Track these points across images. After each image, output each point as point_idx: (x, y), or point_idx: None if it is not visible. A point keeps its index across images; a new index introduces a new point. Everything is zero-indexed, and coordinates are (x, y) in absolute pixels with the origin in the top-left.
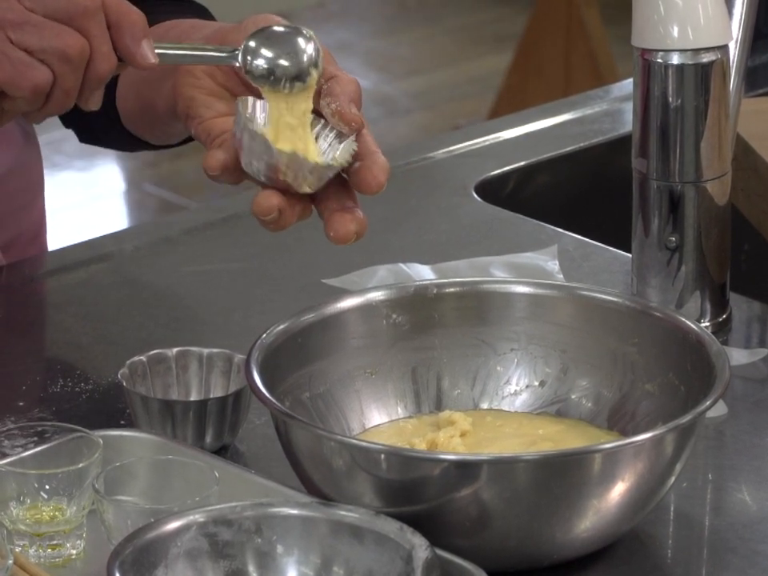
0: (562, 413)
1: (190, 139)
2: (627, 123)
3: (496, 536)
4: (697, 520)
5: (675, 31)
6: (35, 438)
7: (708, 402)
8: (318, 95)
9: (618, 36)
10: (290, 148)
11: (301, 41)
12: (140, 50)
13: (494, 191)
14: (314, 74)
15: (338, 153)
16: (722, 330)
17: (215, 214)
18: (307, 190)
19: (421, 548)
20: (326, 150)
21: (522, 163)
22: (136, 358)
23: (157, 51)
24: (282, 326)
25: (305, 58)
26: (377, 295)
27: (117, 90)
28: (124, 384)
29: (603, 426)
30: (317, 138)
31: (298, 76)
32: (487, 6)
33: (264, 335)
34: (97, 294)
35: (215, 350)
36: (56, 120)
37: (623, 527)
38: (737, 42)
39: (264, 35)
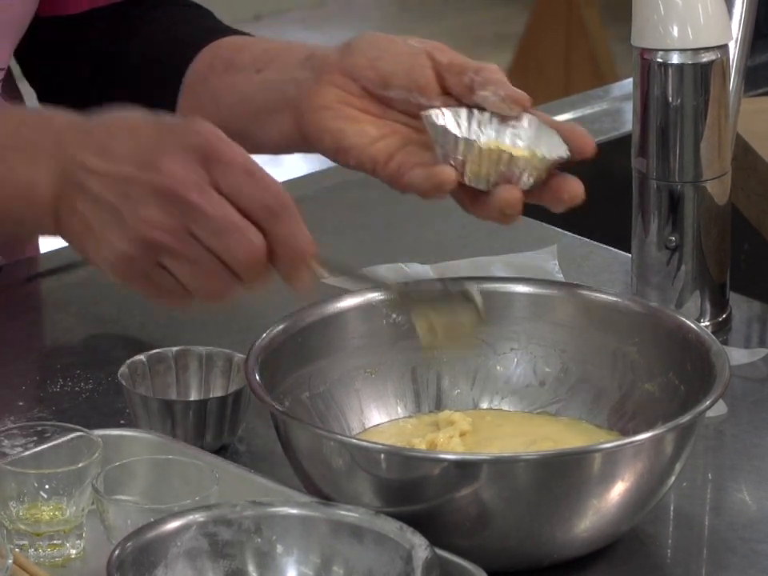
0: (561, 412)
1: None
2: (627, 123)
3: (496, 536)
4: (697, 520)
5: (675, 31)
6: (35, 438)
7: (708, 402)
8: (470, 90)
9: (617, 36)
10: (529, 153)
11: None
12: (299, 276)
13: None
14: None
15: (557, 145)
16: (721, 329)
17: None
18: (532, 185)
19: (420, 548)
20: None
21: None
22: (136, 358)
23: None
24: (281, 326)
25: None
26: (377, 295)
27: (180, 111)
28: (124, 384)
29: (603, 425)
30: (483, 133)
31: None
32: (488, 5)
33: (264, 335)
34: (96, 294)
35: (215, 350)
36: None
37: (623, 527)
38: (737, 41)
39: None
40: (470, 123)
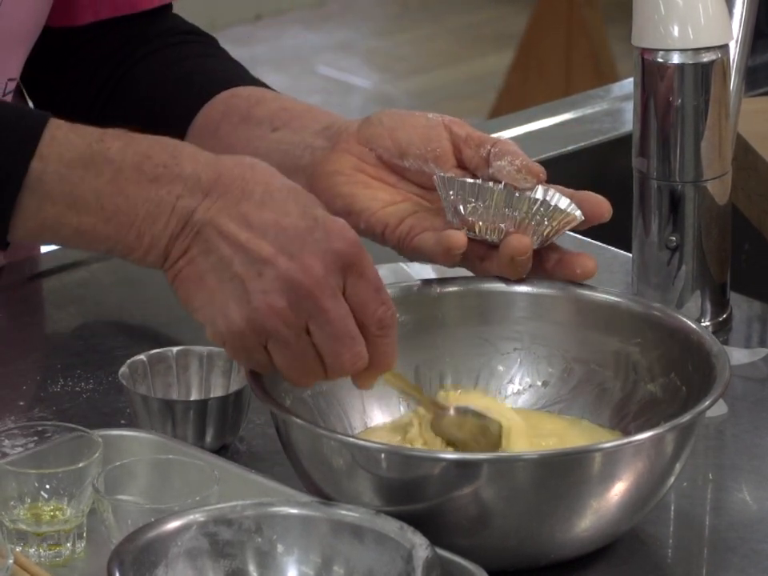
0: (564, 412)
1: None
2: (627, 123)
3: (496, 535)
4: (697, 519)
5: (675, 31)
6: (35, 438)
7: (707, 402)
8: (486, 162)
9: (618, 35)
10: (540, 196)
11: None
12: (368, 382)
13: None
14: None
15: (571, 206)
16: (722, 329)
17: None
18: (544, 240)
19: (421, 547)
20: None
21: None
22: (136, 358)
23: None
24: None
25: None
26: None
27: (192, 135)
28: (124, 383)
29: (606, 425)
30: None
31: None
32: (488, 5)
33: None
34: (97, 294)
35: (216, 350)
36: None
37: (623, 526)
38: (737, 41)
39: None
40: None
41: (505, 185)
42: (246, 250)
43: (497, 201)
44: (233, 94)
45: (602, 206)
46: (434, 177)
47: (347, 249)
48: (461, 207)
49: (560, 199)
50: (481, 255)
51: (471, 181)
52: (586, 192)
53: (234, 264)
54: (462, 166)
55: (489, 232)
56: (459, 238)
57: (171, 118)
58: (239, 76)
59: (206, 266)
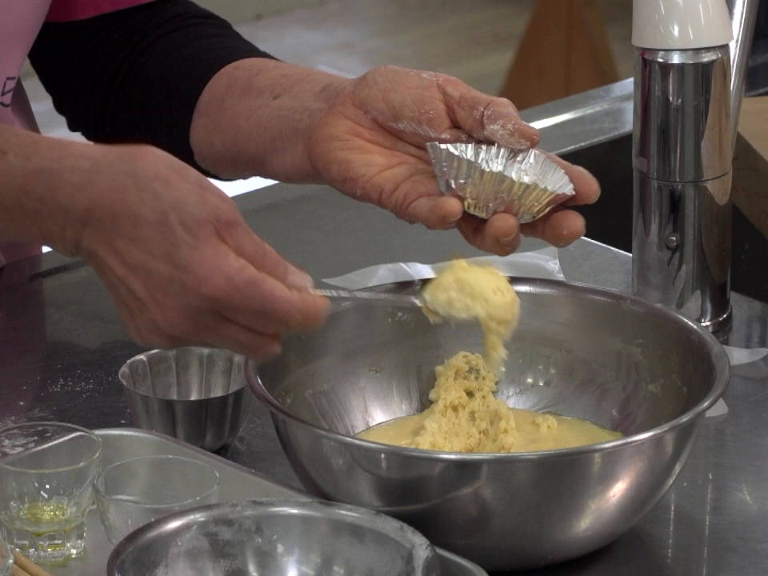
0: (565, 413)
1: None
2: (628, 123)
3: (496, 535)
4: (697, 519)
5: (676, 31)
6: (35, 438)
7: (707, 402)
8: (480, 123)
9: (618, 35)
10: (530, 181)
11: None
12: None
13: None
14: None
15: (562, 181)
16: (722, 329)
17: None
18: (532, 218)
19: (421, 547)
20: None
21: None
22: (136, 358)
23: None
24: None
25: None
26: (382, 293)
27: (195, 129)
28: (124, 383)
29: (607, 426)
30: (488, 163)
31: None
32: (488, 5)
33: None
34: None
35: (215, 350)
36: (57, 120)
37: (623, 527)
38: (737, 41)
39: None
40: (476, 157)
41: (502, 165)
42: (126, 286)
43: (486, 180)
44: (235, 67)
45: (591, 187)
46: (427, 145)
47: (211, 296)
48: (451, 182)
49: (552, 174)
50: (473, 227)
51: (462, 156)
52: (580, 170)
53: (121, 293)
54: (457, 126)
55: (477, 209)
56: (453, 205)
57: (180, 98)
58: (243, 50)
59: (105, 282)
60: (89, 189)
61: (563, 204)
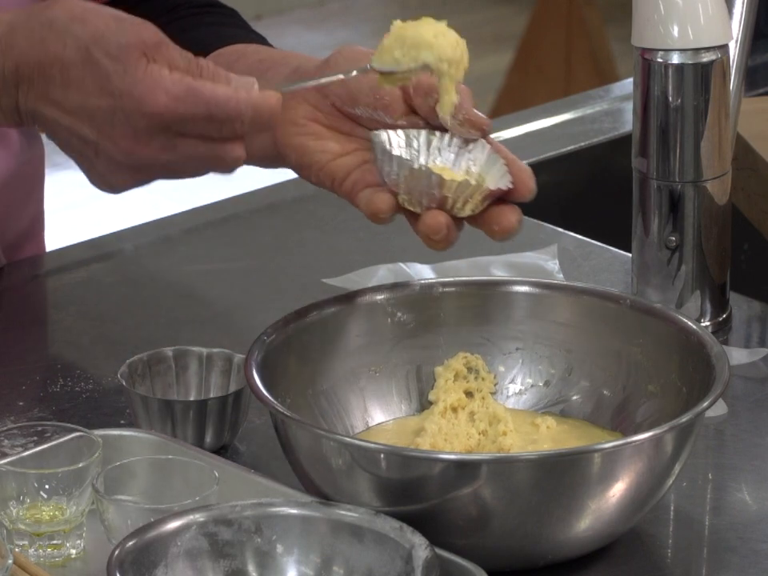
0: (565, 413)
1: None
2: (627, 123)
3: (495, 535)
4: (697, 519)
5: (675, 31)
6: (35, 438)
7: (707, 402)
8: (434, 111)
9: (618, 35)
10: (462, 177)
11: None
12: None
13: None
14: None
15: (501, 176)
16: (722, 329)
17: (215, 213)
18: (470, 213)
19: (421, 547)
20: (469, 167)
21: (523, 163)
22: (136, 358)
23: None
24: (282, 325)
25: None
26: (381, 294)
27: None
28: (124, 383)
29: (607, 426)
30: (439, 151)
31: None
32: (488, 5)
33: (264, 334)
34: (97, 294)
35: (215, 350)
36: None
37: (623, 527)
38: (737, 41)
39: None
40: (428, 146)
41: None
42: (75, 134)
43: (416, 177)
44: (219, 53)
45: (527, 186)
46: (370, 134)
47: (155, 113)
48: (384, 176)
49: (494, 167)
50: (415, 218)
51: (393, 152)
52: (520, 166)
53: (74, 144)
54: (415, 112)
55: (410, 204)
56: (384, 201)
57: None
58: (232, 36)
59: (58, 142)
60: (10, 51)
61: (504, 197)
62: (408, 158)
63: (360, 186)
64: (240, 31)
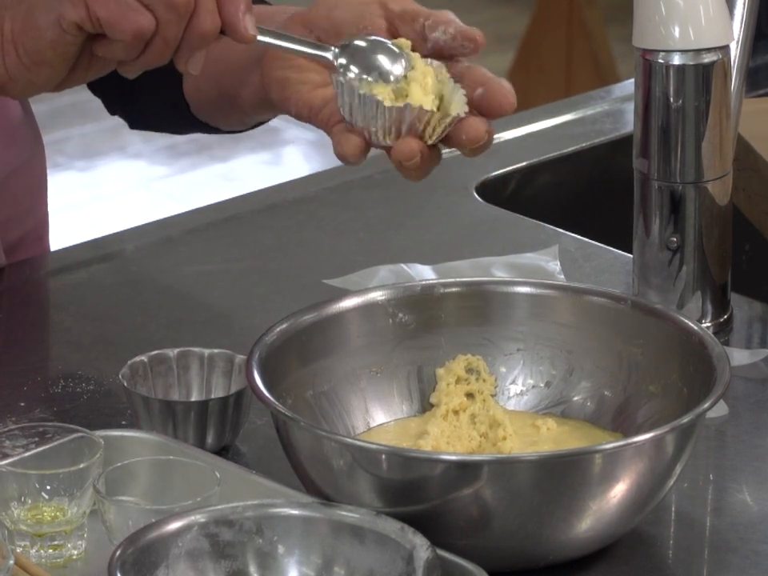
0: (566, 414)
1: (258, 124)
2: (628, 123)
3: (497, 536)
4: (698, 520)
5: (676, 32)
6: (36, 439)
7: (708, 403)
8: (422, 36)
9: (619, 36)
10: (416, 102)
11: (387, 59)
12: (243, 21)
13: (495, 191)
14: (403, 71)
15: (455, 103)
16: (723, 330)
17: (216, 214)
18: (430, 141)
19: (422, 548)
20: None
21: (524, 163)
22: (137, 359)
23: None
24: (283, 326)
25: (392, 79)
26: (382, 294)
27: (186, 81)
28: (125, 384)
29: (608, 427)
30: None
31: (386, 75)
32: (488, 5)
33: (265, 334)
34: (98, 295)
35: (216, 351)
36: (57, 120)
37: (623, 528)
38: (738, 42)
39: (354, 51)
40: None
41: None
42: None
43: (380, 113)
44: None
45: (506, 101)
46: (330, 76)
47: None
48: (345, 116)
49: (452, 97)
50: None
51: (349, 85)
52: (499, 84)
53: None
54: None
55: (378, 139)
56: (352, 146)
57: None
58: None
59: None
60: None
61: (486, 113)
62: (373, 98)
63: (336, 117)
64: None
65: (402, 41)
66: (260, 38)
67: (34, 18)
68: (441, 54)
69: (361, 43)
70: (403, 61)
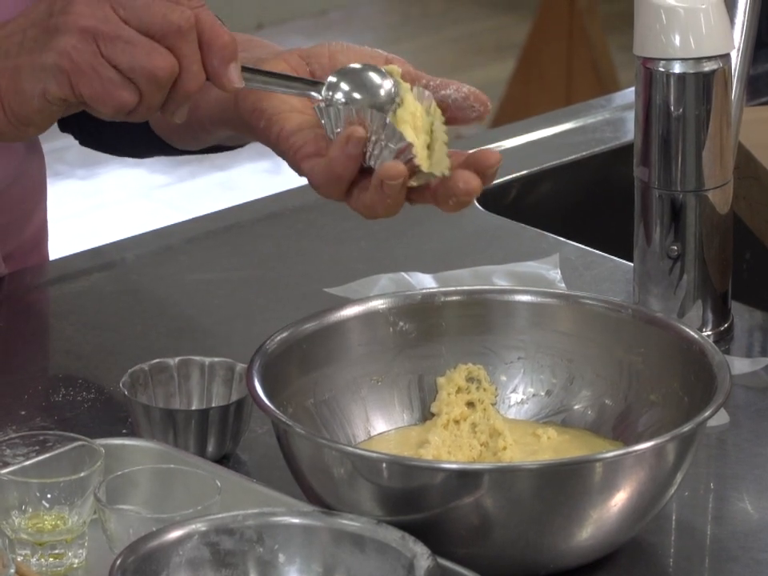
0: (567, 422)
1: (213, 149)
2: (629, 132)
3: (497, 545)
4: (698, 529)
5: (677, 40)
6: (37, 447)
7: (709, 412)
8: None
9: (619, 45)
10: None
11: (377, 77)
12: (228, 73)
13: (495, 200)
14: (391, 106)
15: (443, 162)
16: (723, 338)
17: (217, 222)
18: (413, 184)
19: (422, 557)
20: None
21: (524, 172)
22: (138, 367)
23: (243, 75)
24: (284, 334)
25: (382, 93)
26: (383, 303)
27: None
28: (126, 393)
29: (608, 435)
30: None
31: (376, 90)
32: (489, 14)
33: (266, 343)
34: (98, 303)
35: (217, 359)
36: (57, 128)
37: (624, 536)
38: (738, 50)
39: (344, 71)
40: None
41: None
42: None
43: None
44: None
45: (493, 157)
46: (314, 107)
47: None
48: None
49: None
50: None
51: (351, 107)
52: (480, 153)
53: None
54: None
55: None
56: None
57: None
58: None
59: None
60: None
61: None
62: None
63: (309, 148)
64: None
65: (393, 67)
66: (247, 84)
67: (20, 81)
68: (443, 113)
69: (352, 66)
70: (392, 83)
